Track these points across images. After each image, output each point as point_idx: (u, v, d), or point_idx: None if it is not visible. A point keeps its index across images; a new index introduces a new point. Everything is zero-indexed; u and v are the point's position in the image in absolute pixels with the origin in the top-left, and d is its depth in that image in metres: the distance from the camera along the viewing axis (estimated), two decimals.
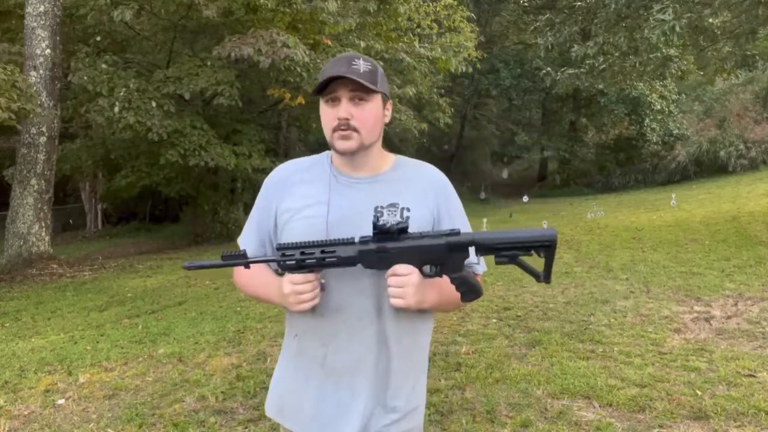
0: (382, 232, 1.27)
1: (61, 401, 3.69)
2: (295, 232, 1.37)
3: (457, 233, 1.29)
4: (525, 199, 18.11)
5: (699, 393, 3.22)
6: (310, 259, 1.27)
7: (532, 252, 1.29)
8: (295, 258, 1.28)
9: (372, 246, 1.28)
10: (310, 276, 1.30)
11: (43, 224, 10.15)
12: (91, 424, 3.32)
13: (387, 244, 1.28)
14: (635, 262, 7.09)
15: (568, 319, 4.86)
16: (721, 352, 3.85)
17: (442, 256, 1.29)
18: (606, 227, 10.65)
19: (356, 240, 1.29)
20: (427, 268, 1.31)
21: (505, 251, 1.29)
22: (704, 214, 10.92)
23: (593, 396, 3.27)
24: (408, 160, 1.53)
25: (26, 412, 3.55)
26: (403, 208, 1.39)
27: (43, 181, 10.11)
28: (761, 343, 3.99)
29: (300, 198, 1.42)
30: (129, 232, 18.70)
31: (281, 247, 1.31)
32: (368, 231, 1.29)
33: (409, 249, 1.28)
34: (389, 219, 1.36)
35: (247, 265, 1.34)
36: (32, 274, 9.43)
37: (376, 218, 1.30)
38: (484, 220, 11.68)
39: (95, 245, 15.55)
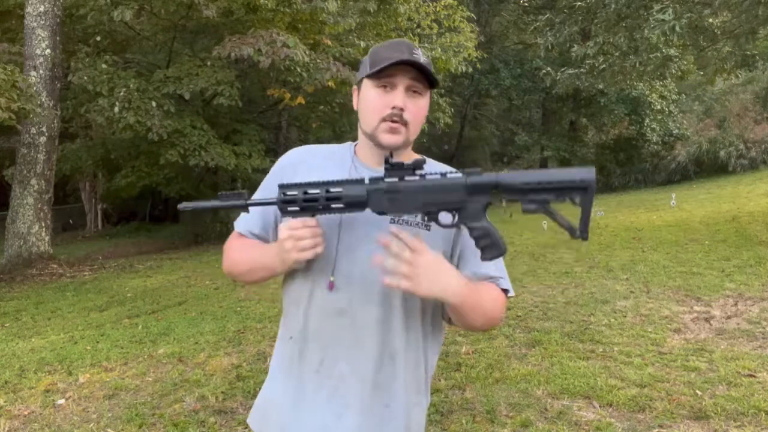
0: (395, 168, 1.13)
1: (61, 401, 3.69)
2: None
3: (479, 172, 1.13)
4: None
5: (699, 393, 3.22)
6: (313, 196, 1.15)
7: (566, 198, 1.10)
8: (296, 197, 1.16)
9: (382, 185, 1.14)
10: (310, 221, 1.17)
11: (43, 224, 10.15)
12: (91, 424, 3.32)
13: (399, 184, 1.14)
14: (635, 262, 7.08)
15: (568, 319, 4.86)
16: (721, 352, 3.86)
17: (460, 199, 1.13)
18: (606, 227, 10.65)
19: (366, 180, 1.16)
20: (443, 216, 1.15)
21: (533, 194, 1.10)
22: (704, 214, 10.92)
23: (593, 396, 3.28)
24: (435, 163, 1.40)
25: (26, 412, 3.55)
26: None
27: (43, 181, 10.11)
28: (761, 343, 3.99)
29: None
30: (129, 232, 18.70)
31: (282, 186, 1.18)
32: (382, 228, 1.19)
33: (422, 188, 1.13)
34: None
35: (245, 208, 1.21)
36: (32, 274, 9.43)
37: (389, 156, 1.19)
38: None
39: (95, 245, 15.55)
